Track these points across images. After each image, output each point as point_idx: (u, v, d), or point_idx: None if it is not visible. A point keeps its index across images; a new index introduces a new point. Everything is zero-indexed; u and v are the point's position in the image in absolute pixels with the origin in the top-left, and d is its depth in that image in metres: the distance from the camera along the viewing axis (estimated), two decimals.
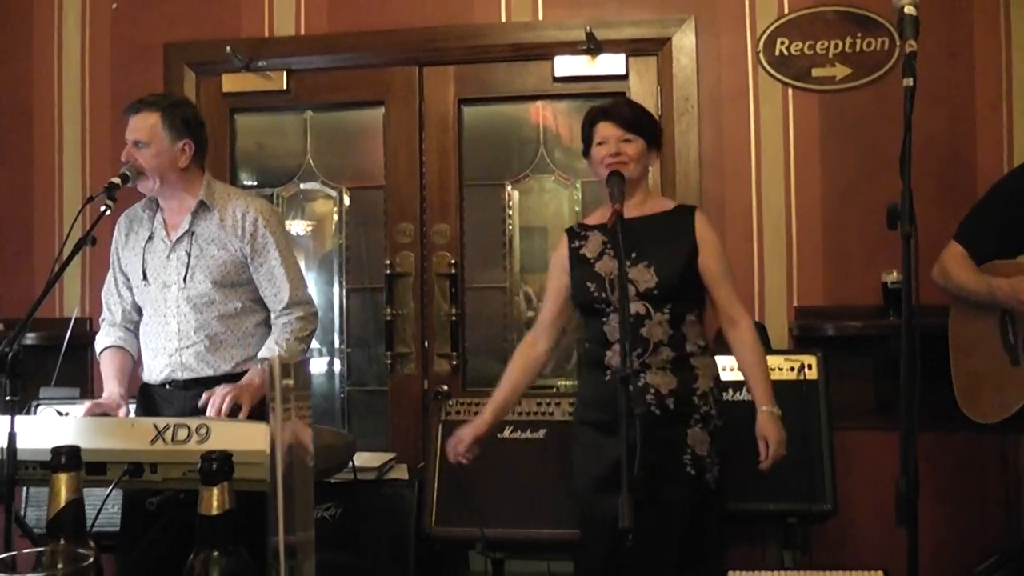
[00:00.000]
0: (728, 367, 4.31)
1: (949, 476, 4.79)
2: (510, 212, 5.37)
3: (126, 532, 3.85)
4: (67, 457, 1.61)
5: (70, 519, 1.59)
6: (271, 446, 1.63)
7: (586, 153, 3.86)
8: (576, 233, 3.87)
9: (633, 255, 3.60)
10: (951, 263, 4.07)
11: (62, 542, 1.57)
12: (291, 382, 1.63)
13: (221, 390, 3.71)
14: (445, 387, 4.93)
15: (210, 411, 3.68)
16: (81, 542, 1.55)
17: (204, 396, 3.72)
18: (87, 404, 3.79)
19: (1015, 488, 4.73)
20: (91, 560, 1.38)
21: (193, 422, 3.20)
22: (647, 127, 3.79)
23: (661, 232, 3.72)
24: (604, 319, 3.69)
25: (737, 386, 4.41)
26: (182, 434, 3.15)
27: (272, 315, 4.05)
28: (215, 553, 1.57)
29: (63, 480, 1.60)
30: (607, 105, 3.86)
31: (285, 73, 5.41)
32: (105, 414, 3.76)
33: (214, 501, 1.57)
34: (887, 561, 3.80)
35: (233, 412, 3.65)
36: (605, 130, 3.74)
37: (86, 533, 1.60)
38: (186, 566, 1.58)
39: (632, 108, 3.87)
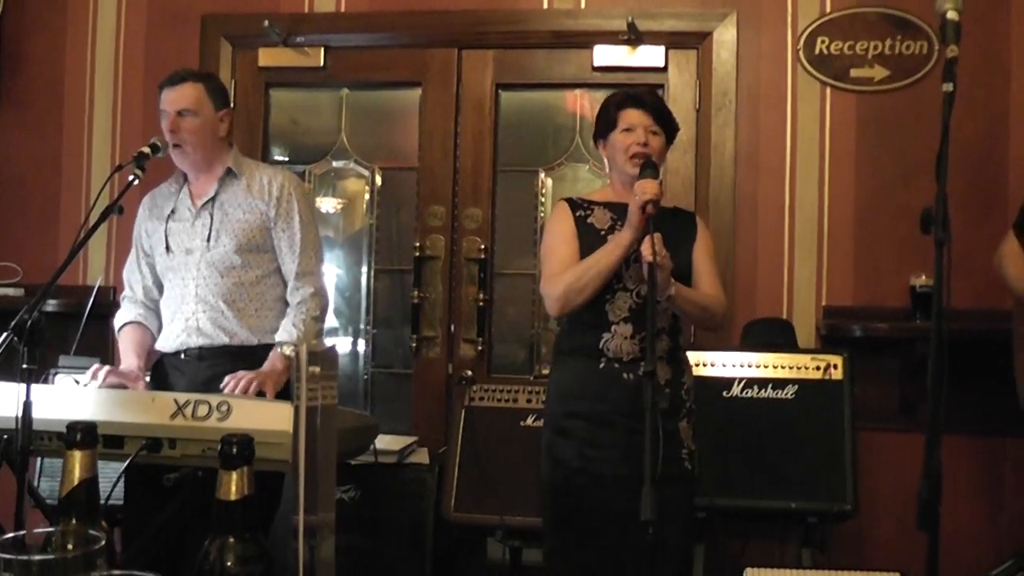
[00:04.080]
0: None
1: (969, 479, 4.79)
2: (543, 199, 5.34)
3: (134, 507, 3.84)
4: (83, 433, 1.59)
5: (83, 498, 1.57)
6: (294, 428, 1.62)
7: (601, 136, 3.78)
8: (576, 203, 3.78)
9: None
10: (1007, 259, 4.02)
11: (74, 522, 1.56)
12: (318, 368, 1.62)
13: (245, 375, 3.70)
14: (470, 372, 4.90)
15: (230, 391, 3.67)
16: (93, 523, 1.53)
17: (227, 379, 3.71)
18: (105, 369, 3.77)
19: None
20: (103, 543, 1.35)
21: (214, 399, 3.18)
22: (670, 122, 3.75)
23: (671, 223, 3.67)
24: (608, 297, 3.59)
25: (761, 384, 4.42)
26: (202, 410, 3.13)
27: (288, 288, 4.05)
28: (231, 539, 1.55)
29: (78, 457, 1.58)
30: (635, 91, 3.79)
31: (323, 50, 5.39)
32: (123, 385, 3.76)
33: (232, 486, 1.55)
34: (906, 563, 3.81)
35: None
36: (634, 116, 3.65)
37: (99, 513, 1.58)
38: (201, 551, 1.56)
39: (659, 98, 3.82)
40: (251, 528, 1.57)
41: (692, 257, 3.70)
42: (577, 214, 3.74)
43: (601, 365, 3.59)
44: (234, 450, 1.55)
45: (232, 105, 4.14)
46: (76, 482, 1.57)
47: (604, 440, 3.54)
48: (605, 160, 3.84)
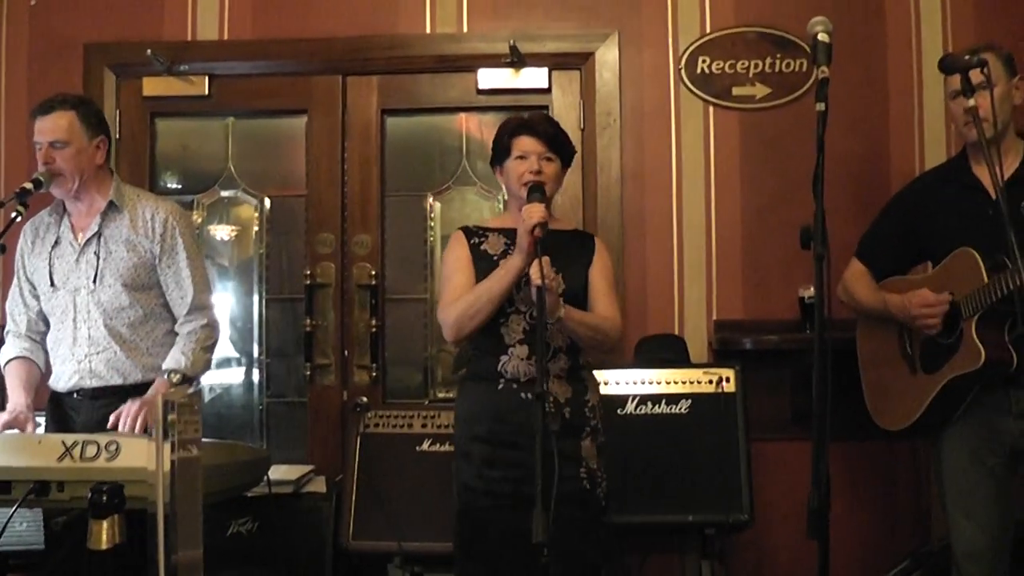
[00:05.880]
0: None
1: (861, 484, 4.87)
2: (431, 223, 5.34)
3: (46, 551, 3.79)
4: None
5: None
6: (156, 471, 1.60)
7: (498, 163, 3.82)
8: (472, 231, 3.84)
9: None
10: (852, 281, 4.15)
11: None
12: (175, 416, 1.60)
13: (129, 407, 3.67)
14: (364, 399, 4.88)
15: (122, 430, 3.63)
16: None
17: (113, 417, 3.68)
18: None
19: (925, 494, 4.82)
20: None
21: (103, 438, 3.13)
22: (565, 147, 3.78)
23: (568, 244, 3.74)
24: (503, 320, 3.65)
25: (655, 400, 4.46)
26: (91, 451, 3.08)
27: (177, 321, 4.03)
28: None
29: None
30: (529, 118, 3.79)
31: (207, 78, 5.34)
32: (12, 427, 3.71)
33: (103, 535, 1.53)
34: (804, 570, 3.83)
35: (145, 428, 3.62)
36: (527, 144, 3.69)
37: None
38: None
39: (553, 124, 3.81)
40: None
41: (588, 278, 3.73)
42: (472, 241, 3.79)
43: (500, 387, 3.63)
44: (103, 499, 1.53)
45: (111, 133, 4.03)
46: None
47: (503, 460, 3.56)
48: (503, 186, 3.88)
